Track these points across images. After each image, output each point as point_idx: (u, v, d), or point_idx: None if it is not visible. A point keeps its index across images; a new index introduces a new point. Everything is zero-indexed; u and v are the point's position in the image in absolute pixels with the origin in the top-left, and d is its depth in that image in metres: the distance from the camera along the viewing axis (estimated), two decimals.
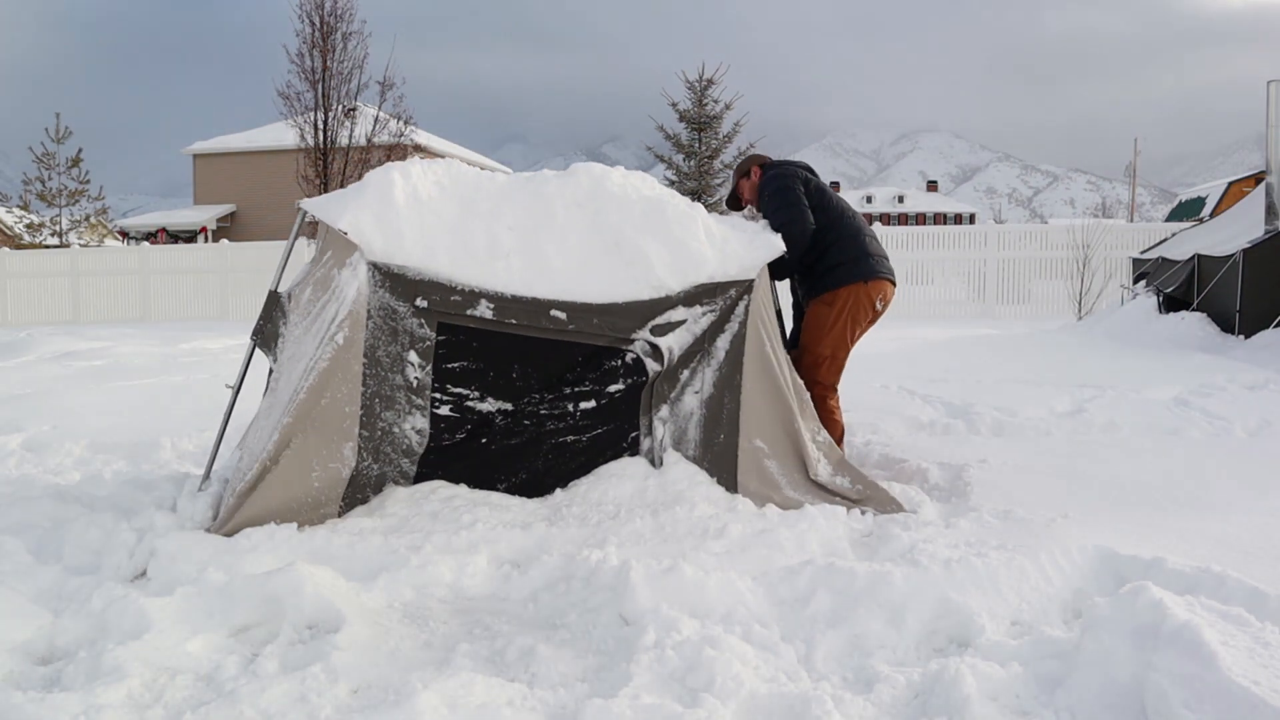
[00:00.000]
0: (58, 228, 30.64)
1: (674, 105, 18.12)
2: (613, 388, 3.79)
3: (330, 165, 19.94)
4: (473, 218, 3.74)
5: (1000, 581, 2.78)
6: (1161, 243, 13.34)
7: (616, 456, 3.86)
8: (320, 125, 20.02)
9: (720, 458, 3.84)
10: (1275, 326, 8.76)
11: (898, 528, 3.49)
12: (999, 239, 17.61)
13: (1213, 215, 22.24)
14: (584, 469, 3.84)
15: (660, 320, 3.74)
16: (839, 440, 4.35)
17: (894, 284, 4.39)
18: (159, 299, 19.94)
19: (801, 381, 4.03)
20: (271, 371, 3.92)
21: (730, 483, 3.82)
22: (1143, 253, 13.70)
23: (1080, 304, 15.12)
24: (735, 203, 4.75)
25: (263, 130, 34.79)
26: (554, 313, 3.65)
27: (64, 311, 20.00)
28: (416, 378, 3.65)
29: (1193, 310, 9.85)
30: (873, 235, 4.44)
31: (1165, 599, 2.24)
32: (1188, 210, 30.79)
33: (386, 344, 3.60)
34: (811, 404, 4.04)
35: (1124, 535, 3.24)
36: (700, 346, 3.83)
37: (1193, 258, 10.29)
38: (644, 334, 3.73)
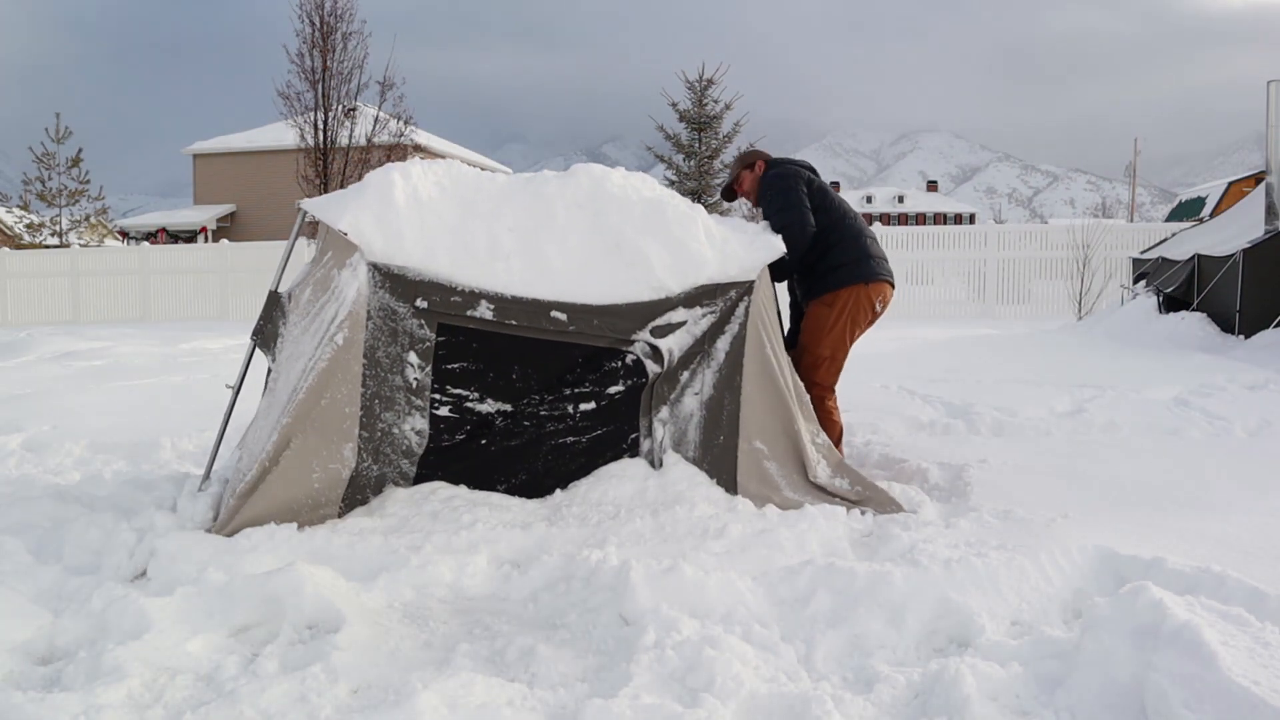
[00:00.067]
0: (58, 228, 30.64)
1: (674, 105, 18.12)
2: (613, 389, 3.79)
3: (330, 165, 19.94)
4: (473, 218, 3.74)
5: (1000, 581, 2.78)
6: (1161, 243, 13.34)
7: (616, 458, 3.86)
8: (320, 125, 20.01)
9: (720, 459, 3.84)
10: (1275, 326, 8.76)
11: (898, 528, 3.49)
12: (999, 239, 17.62)
13: (1213, 215, 22.25)
14: (584, 470, 3.84)
15: (660, 321, 3.74)
16: (838, 441, 4.35)
17: (893, 286, 4.40)
18: (159, 299, 19.94)
19: (801, 383, 4.03)
20: (270, 371, 3.92)
21: (730, 484, 3.82)
22: (1143, 253, 13.70)
23: (1080, 304, 15.12)
24: (730, 193, 4.72)
25: (263, 130, 34.79)
26: (554, 314, 3.65)
27: (64, 311, 20.00)
28: (416, 379, 3.65)
29: (1193, 310, 9.84)
30: (873, 237, 4.44)
31: (1165, 599, 2.24)
32: (1188, 210, 30.79)
33: (386, 345, 3.60)
34: (811, 406, 4.04)
35: (1124, 535, 3.24)
36: (700, 348, 3.83)
37: (1193, 258, 10.29)
38: (644, 335, 3.73)
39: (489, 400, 3.73)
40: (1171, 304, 10.44)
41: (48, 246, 27.56)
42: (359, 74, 20.15)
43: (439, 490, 3.74)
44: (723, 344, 3.84)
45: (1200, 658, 2.02)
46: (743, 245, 3.92)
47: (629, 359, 3.75)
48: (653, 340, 3.73)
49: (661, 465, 3.82)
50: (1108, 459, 4.60)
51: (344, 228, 3.55)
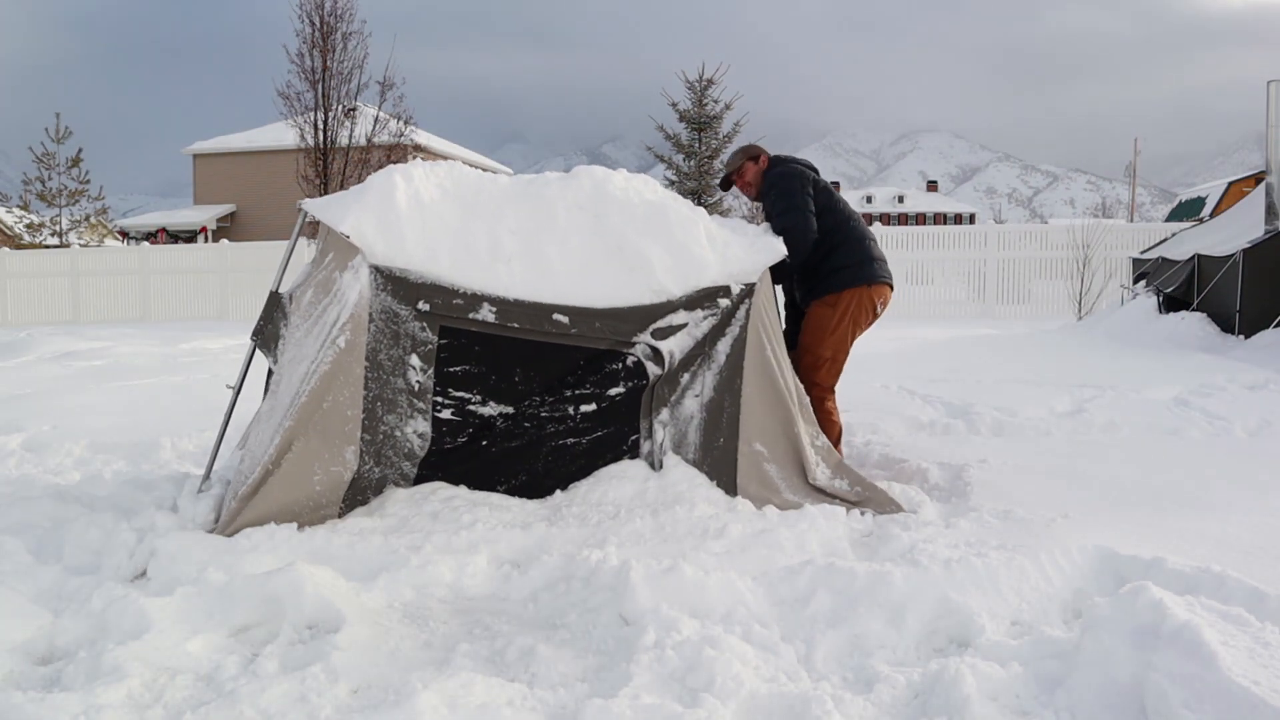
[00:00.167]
0: (58, 228, 30.64)
1: (674, 105, 18.12)
2: (613, 391, 3.78)
3: (330, 165, 19.93)
4: (475, 220, 3.74)
5: (1000, 581, 2.78)
6: (1161, 243, 13.34)
7: (616, 459, 3.86)
8: (320, 125, 20.01)
9: (720, 461, 3.84)
10: (1275, 326, 8.76)
11: (898, 528, 3.49)
12: (999, 239, 17.62)
13: (1213, 215, 22.25)
14: (584, 471, 3.84)
15: (661, 324, 3.74)
16: (837, 441, 4.35)
17: (893, 287, 4.42)
18: (159, 299, 19.94)
19: (801, 385, 4.03)
20: (271, 373, 3.91)
21: (730, 486, 3.82)
22: (1143, 253, 13.70)
23: (1080, 304, 15.12)
24: (727, 183, 4.68)
25: (263, 130, 34.79)
26: (556, 316, 3.64)
27: (64, 311, 20.00)
28: (418, 381, 3.65)
29: (1193, 310, 9.84)
30: (873, 238, 4.46)
31: (1165, 599, 2.24)
32: (1188, 210, 30.79)
33: (388, 347, 3.60)
34: (810, 408, 4.04)
35: (1124, 535, 3.24)
36: (701, 350, 3.83)
37: (1193, 258, 10.29)
38: (645, 337, 3.73)
39: (491, 403, 3.73)
40: (1171, 304, 10.44)
41: (48, 246, 27.57)
42: (359, 74, 20.16)
43: (439, 490, 3.74)
44: (723, 346, 3.83)
45: (1200, 658, 2.02)
46: (743, 248, 3.92)
47: (629, 361, 3.75)
48: (653, 342, 3.73)
49: (661, 467, 3.82)
50: (1108, 459, 4.60)
51: (346, 230, 3.54)
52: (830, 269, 4.29)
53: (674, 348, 3.76)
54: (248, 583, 2.78)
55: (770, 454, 3.85)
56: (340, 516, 3.61)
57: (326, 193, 19.16)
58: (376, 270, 3.55)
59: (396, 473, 3.75)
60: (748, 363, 3.82)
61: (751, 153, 4.60)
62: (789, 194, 4.25)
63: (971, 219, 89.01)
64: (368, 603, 2.84)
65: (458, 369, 3.67)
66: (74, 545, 3.32)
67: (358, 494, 3.67)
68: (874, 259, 4.34)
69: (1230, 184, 28.99)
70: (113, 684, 2.30)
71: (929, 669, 2.35)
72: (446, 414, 3.70)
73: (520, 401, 3.75)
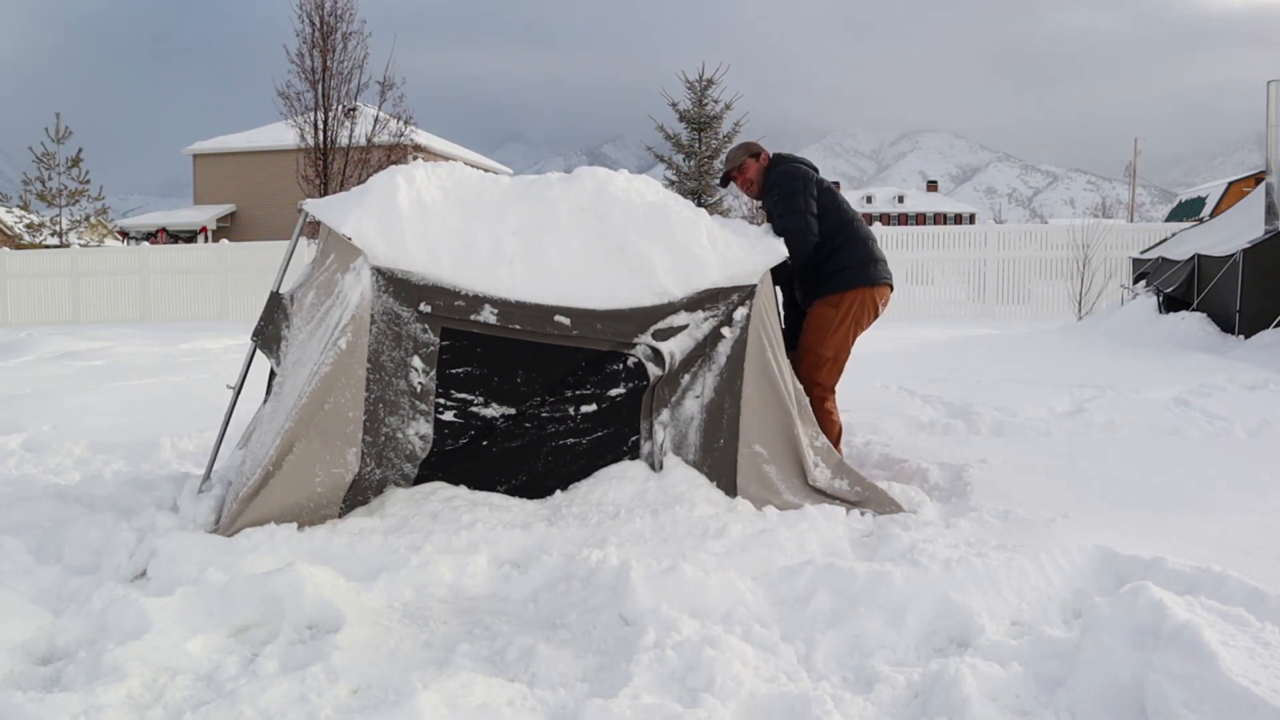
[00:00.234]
0: (58, 228, 30.64)
1: (674, 105, 18.11)
2: (614, 391, 3.78)
3: (330, 165, 19.94)
4: (476, 222, 3.74)
5: (1000, 581, 2.78)
6: (1161, 243, 13.34)
7: (617, 460, 3.86)
8: (320, 125, 20.02)
9: (720, 462, 3.84)
10: (1275, 326, 8.76)
11: (898, 528, 3.49)
12: (999, 239, 17.61)
13: (1213, 215, 22.24)
14: (584, 472, 3.84)
15: (662, 325, 3.74)
16: (837, 441, 4.36)
17: (893, 287, 4.43)
18: (159, 299, 19.94)
19: (801, 386, 4.03)
20: (273, 374, 3.91)
21: (730, 487, 3.82)
22: (1143, 253, 13.70)
23: (1080, 304, 15.12)
24: (726, 180, 4.67)
25: (263, 130, 34.80)
26: (558, 318, 3.64)
27: (64, 311, 19.99)
28: (420, 383, 3.64)
29: (1193, 310, 9.84)
30: (874, 239, 4.47)
31: (1165, 599, 2.24)
32: (1188, 210, 30.79)
33: (390, 349, 3.59)
34: (810, 409, 4.04)
35: (1124, 535, 3.24)
36: (701, 351, 3.83)
37: (1193, 258, 10.29)
38: (645, 338, 3.73)
39: (493, 404, 3.72)
40: (1171, 304, 10.44)
41: (48, 246, 27.56)
42: (359, 74, 20.17)
43: (439, 490, 3.74)
44: (724, 347, 3.83)
45: (1200, 658, 2.02)
46: (745, 249, 3.92)
47: (630, 361, 3.75)
48: (654, 343, 3.73)
49: (662, 467, 3.82)
50: (1108, 459, 4.60)
51: (348, 232, 3.54)
52: (833, 269, 4.29)
53: (674, 349, 3.76)
54: (248, 583, 2.78)
55: (770, 455, 3.85)
56: (340, 516, 3.61)
57: (326, 193, 19.17)
58: (378, 272, 3.54)
59: (397, 473, 3.75)
60: (748, 364, 3.82)
61: (753, 149, 4.58)
62: (791, 195, 4.24)
63: (971, 219, 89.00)
64: (368, 603, 2.84)
65: (460, 370, 3.67)
66: (74, 545, 3.32)
67: (358, 494, 3.67)
68: (877, 260, 4.36)
69: (1230, 184, 28.99)
70: (113, 684, 2.30)
71: (929, 669, 2.35)
72: (449, 416, 3.70)
73: (522, 403, 3.75)
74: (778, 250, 3.97)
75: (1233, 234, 10.22)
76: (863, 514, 3.75)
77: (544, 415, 3.79)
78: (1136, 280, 12.82)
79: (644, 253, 3.75)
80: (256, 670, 2.41)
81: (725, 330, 3.83)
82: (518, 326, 3.63)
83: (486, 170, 4.06)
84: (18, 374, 8.85)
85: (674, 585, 2.76)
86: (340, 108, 20.10)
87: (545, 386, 3.74)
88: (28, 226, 30.55)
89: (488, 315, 3.60)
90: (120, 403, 6.78)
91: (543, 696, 2.31)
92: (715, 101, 18.16)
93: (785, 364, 3.94)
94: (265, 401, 3.94)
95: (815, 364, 4.31)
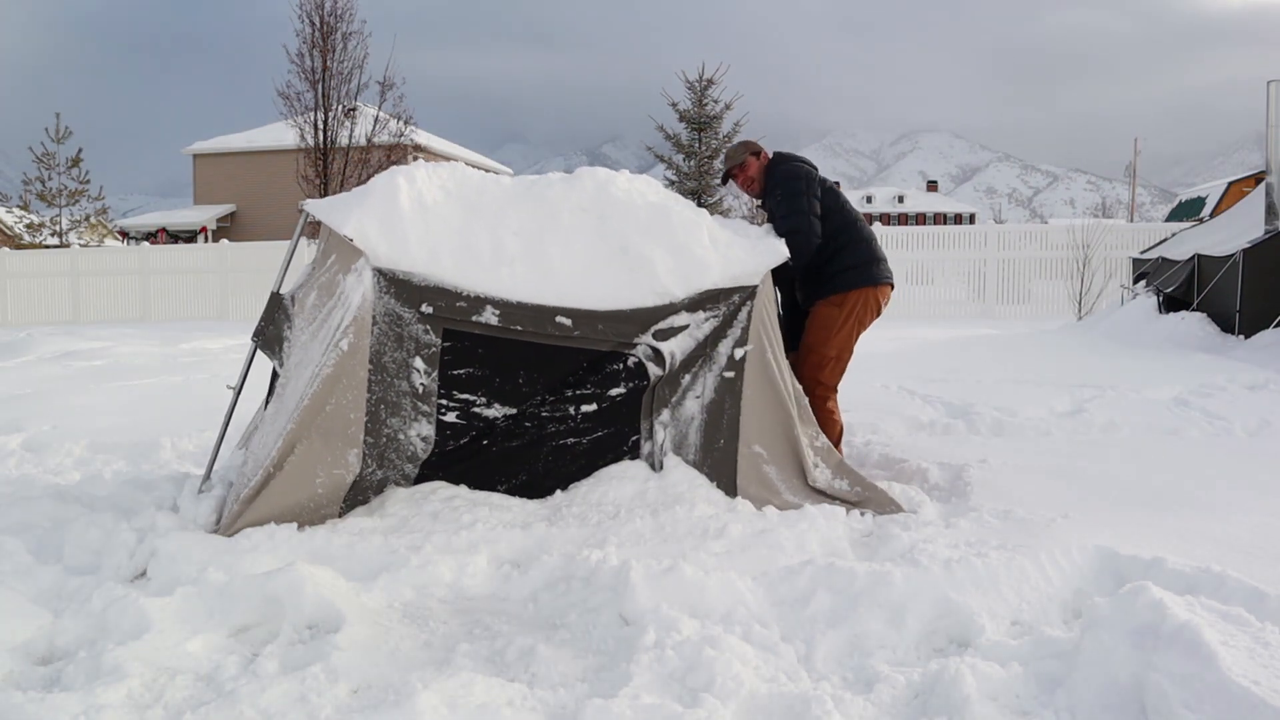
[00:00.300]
0: (58, 228, 30.64)
1: (674, 105, 18.12)
2: (614, 391, 3.78)
3: (330, 165, 19.96)
4: (477, 222, 3.74)
5: (1000, 581, 2.78)
6: (1161, 243, 13.34)
7: (617, 459, 3.86)
8: (320, 125, 20.04)
9: (720, 463, 3.84)
10: (1275, 326, 8.75)
11: (898, 528, 3.49)
12: (999, 239, 17.62)
13: (1213, 215, 22.25)
14: (584, 471, 3.84)
15: (663, 325, 3.74)
16: (838, 440, 4.36)
17: (893, 287, 4.43)
18: (159, 299, 19.93)
19: (800, 387, 4.03)
20: (275, 375, 3.90)
21: (730, 487, 3.82)
22: (1143, 253, 13.70)
23: (1080, 304, 15.12)
24: (725, 178, 4.66)
25: (263, 130, 34.81)
26: (559, 319, 3.64)
27: (64, 311, 19.99)
28: (422, 384, 3.64)
29: (1193, 310, 9.84)
30: (876, 238, 4.48)
31: (1165, 599, 2.24)
32: (1188, 210, 30.80)
33: (392, 350, 3.59)
34: (810, 409, 4.04)
35: (1124, 535, 3.24)
36: (702, 351, 3.83)
37: (1193, 258, 10.29)
38: (646, 338, 3.73)
39: (496, 405, 3.72)
40: (1171, 304, 10.44)
41: (48, 246, 27.56)
42: (359, 74, 20.20)
43: (439, 490, 3.74)
44: (724, 348, 3.83)
45: (1200, 658, 2.02)
46: (746, 250, 3.92)
47: (631, 361, 3.75)
48: (655, 343, 3.73)
49: (662, 467, 3.82)
50: (1108, 459, 4.60)
51: (349, 233, 3.54)
52: (837, 269, 4.29)
53: (675, 349, 3.76)
54: (248, 583, 2.78)
55: (770, 456, 3.85)
56: (340, 516, 3.61)
57: (327, 193, 19.17)
58: (380, 273, 3.54)
59: (398, 474, 3.76)
60: (749, 364, 3.82)
61: (753, 148, 4.57)
62: (795, 195, 4.23)
63: (971, 219, 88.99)
64: (368, 603, 2.84)
65: (462, 371, 3.67)
66: (74, 545, 3.32)
67: (358, 494, 3.67)
68: (879, 259, 4.37)
69: (1230, 184, 29.00)
70: (113, 684, 2.30)
71: (929, 669, 2.35)
72: (451, 417, 3.70)
73: (523, 403, 3.74)
74: (779, 251, 3.97)
75: (1233, 234, 10.22)
76: (863, 514, 3.75)
77: (544, 415, 3.79)
78: (1136, 280, 12.82)
79: (645, 253, 3.75)
80: (256, 670, 2.41)
81: (726, 330, 3.83)
82: (519, 327, 3.62)
83: (486, 170, 4.05)
84: (18, 374, 8.85)
85: (674, 585, 2.76)
86: (340, 108, 20.12)
87: (546, 386, 3.74)
88: (28, 226, 30.55)
89: (489, 316, 3.60)
90: (120, 403, 6.78)
91: (543, 696, 2.31)
92: (715, 101, 18.17)
93: (785, 365, 3.93)
94: (267, 402, 3.94)
95: (819, 363, 4.31)
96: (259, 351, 3.94)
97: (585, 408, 3.79)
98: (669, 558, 3.01)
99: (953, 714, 2.17)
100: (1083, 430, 5.39)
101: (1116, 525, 3.41)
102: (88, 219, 31.57)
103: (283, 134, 24.36)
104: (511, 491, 3.81)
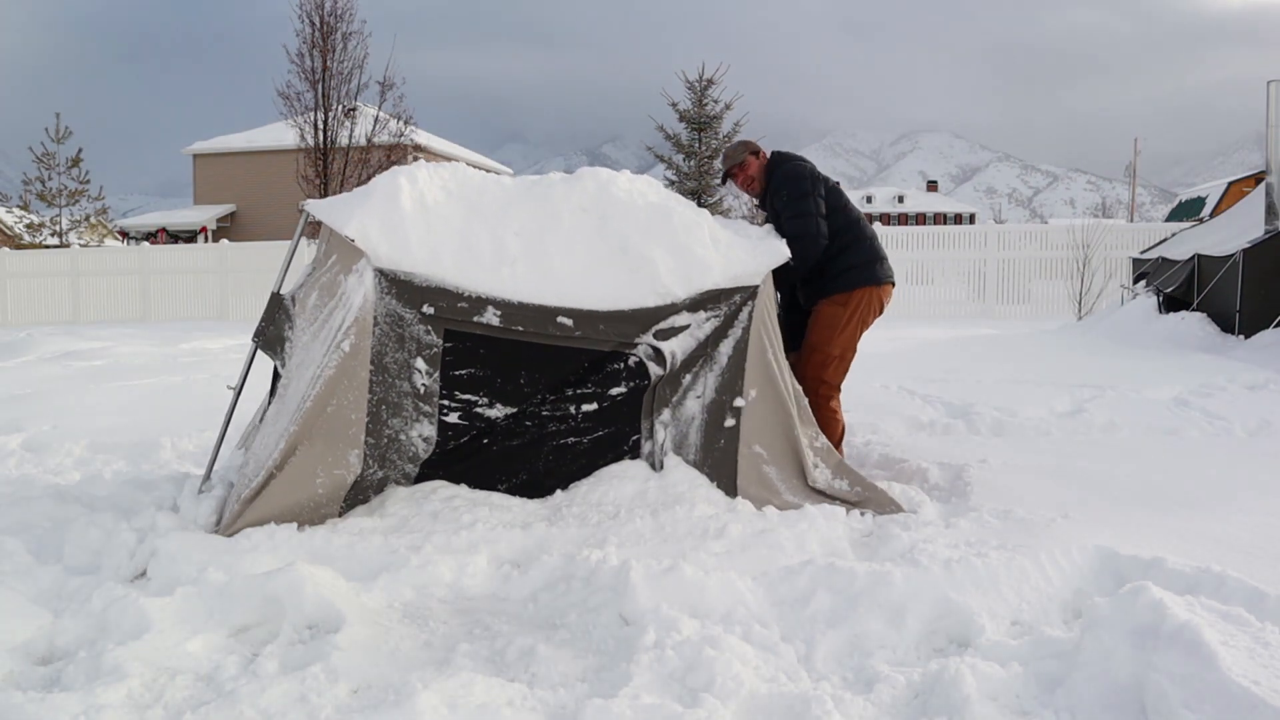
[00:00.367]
0: (58, 228, 30.63)
1: (674, 105, 18.12)
2: (615, 390, 3.78)
3: (330, 165, 19.96)
4: (479, 223, 3.73)
5: (1000, 581, 2.78)
6: (1161, 243, 13.34)
7: (617, 459, 3.86)
8: (320, 125, 20.04)
9: (720, 463, 3.84)
10: (1275, 326, 8.75)
11: (898, 528, 3.49)
12: (999, 239, 17.62)
13: (1213, 215, 22.25)
14: (584, 471, 3.84)
15: (664, 325, 3.74)
16: (839, 440, 4.35)
17: (894, 285, 4.43)
18: (159, 299, 19.93)
19: (800, 388, 4.03)
20: (277, 376, 3.90)
21: (730, 487, 3.82)
22: (1143, 253, 13.70)
23: (1080, 304, 15.12)
24: (725, 178, 4.64)
25: (263, 130, 34.80)
26: (560, 319, 3.64)
27: (64, 311, 19.99)
28: (424, 384, 3.64)
29: (1193, 310, 9.84)
30: (878, 237, 4.48)
31: (1165, 599, 2.24)
32: (1188, 210, 30.80)
33: (394, 351, 3.59)
34: (810, 410, 4.03)
35: (1124, 535, 3.24)
36: (703, 351, 3.83)
37: (1193, 258, 10.29)
38: (647, 338, 3.73)
39: (498, 405, 3.72)
40: (1171, 304, 10.44)
41: (48, 246, 27.56)
42: (359, 74, 20.20)
43: (439, 490, 3.73)
44: (725, 348, 3.83)
45: (1200, 658, 2.02)
46: (746, 250, 3.92)
47: (631, 361, 3.75)
48: (655, 343, 3.73)
49: (662, 467, 3.82)
50: (1108, 459, 4.60)
51: (350, 233, 3.53)
52: (841, 268, 4.29)
53: (676, 349, 3.76)
54: (248, 583, 2.78)
55: (770, 456, 3.85)
56: (340, 515, 3.61)
57: (327, 193, 19.17)
58: (381, 273, 3.54)
59: (399, 473, 3.76)
60: (749, 365, 3.82)
61: (753, 147, 4.55)
62: (801, 196, 4.22)
63: (971, 219, 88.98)
64: (368, 603, 2.84)
65: (463, 372, 3.67)
66: (74, 545, 3.32)
67: (359, 493, 3.67)
68: (882, 259, 4.38)
69: (1230, 184, 29.00)
70: (113, 684, 2.30)
71: (929, 669, 2.35)
72: (454, 418, 3.70)
73: (524, 402, 3.74)
74: (780, 251, 3.96)
75: (1233, 234, 10.22)
76: (863, 514, 3.75)
77: (545, 414, 3.78)
78: (1136, 280, 12.82)
79: (646, 253, 3.75)
80: (256, 670, 2.41)
81: (727, 331, 3.83)
82: (521, 328, 3.62)
83: (487, 170, 4.05)
84: (18, 374, 8.85)
85: (674, 585, 2.76)
86: (340, 108, 20.13)
87: (547, 386, 3.74)
88: (28, 226, 30.55)
89: (491, 317, 3.60)
90: (120, 403, 6.78)
91: (543, 696, 2.31)
92: (715, 101, 18.18)
93: (785, 365, 3.93)
94: (269, 403, 3.94)
95: (822, 362, 4.31)
96: (259, 352, 3.93)
97: (586, 407, 3.79)
98: (669, 558, 3.01)
99: (953, 714, 2.17)
100: (1083, 430, 5.39)
101: (1116, 525, 3.41)
102: (88, 219, 31.57)
103: (283, 134, 24.36)
104: (512, 491, 3.81)
